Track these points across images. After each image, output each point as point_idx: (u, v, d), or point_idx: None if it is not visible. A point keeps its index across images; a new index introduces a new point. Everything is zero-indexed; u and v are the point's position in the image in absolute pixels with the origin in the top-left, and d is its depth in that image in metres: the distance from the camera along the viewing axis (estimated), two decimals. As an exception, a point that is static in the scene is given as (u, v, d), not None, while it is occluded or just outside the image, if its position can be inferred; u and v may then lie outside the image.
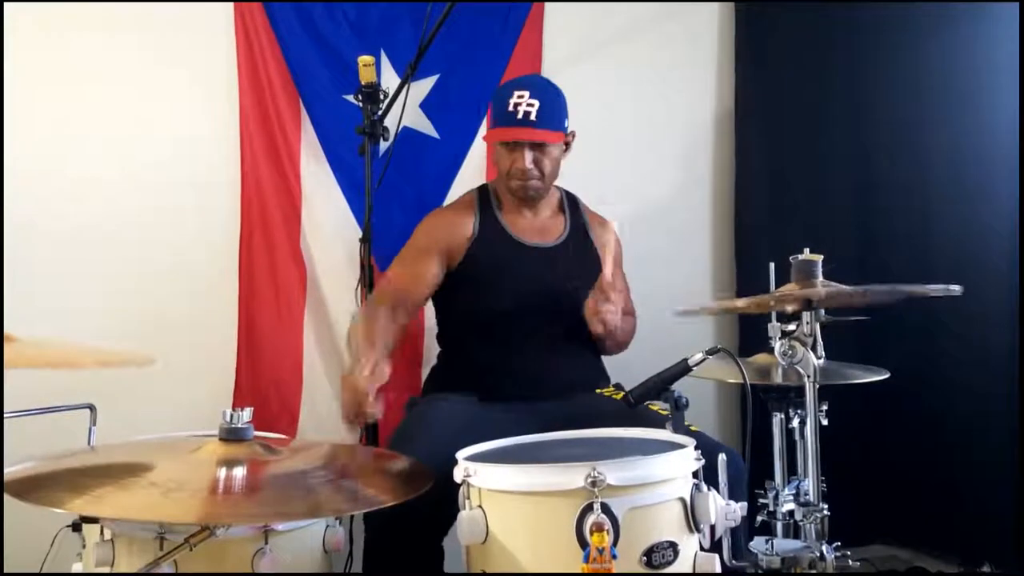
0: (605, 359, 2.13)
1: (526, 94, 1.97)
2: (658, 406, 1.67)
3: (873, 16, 2.77)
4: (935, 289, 1.60)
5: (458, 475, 1.37)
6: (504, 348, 2.01)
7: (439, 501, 1.38)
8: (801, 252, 1.73)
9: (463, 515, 1.33)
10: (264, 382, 2.45)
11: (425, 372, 2.28)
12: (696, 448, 1.39)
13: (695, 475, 1.36)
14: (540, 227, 2.10)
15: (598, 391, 2.02)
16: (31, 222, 2.27)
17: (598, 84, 2.75)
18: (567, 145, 2.08)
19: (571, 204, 2.17)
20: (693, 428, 1.57)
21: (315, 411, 2.46)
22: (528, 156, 1.98)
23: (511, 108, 1.96)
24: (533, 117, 1.95)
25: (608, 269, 1.88)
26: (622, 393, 1.90)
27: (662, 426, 1.56)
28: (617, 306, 1.90)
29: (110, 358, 1.38)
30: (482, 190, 2.16)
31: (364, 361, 1.67)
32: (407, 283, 2.03)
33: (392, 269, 2.10)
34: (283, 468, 1.38)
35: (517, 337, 2.00)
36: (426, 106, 2.58)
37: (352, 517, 1.88)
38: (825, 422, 1.73)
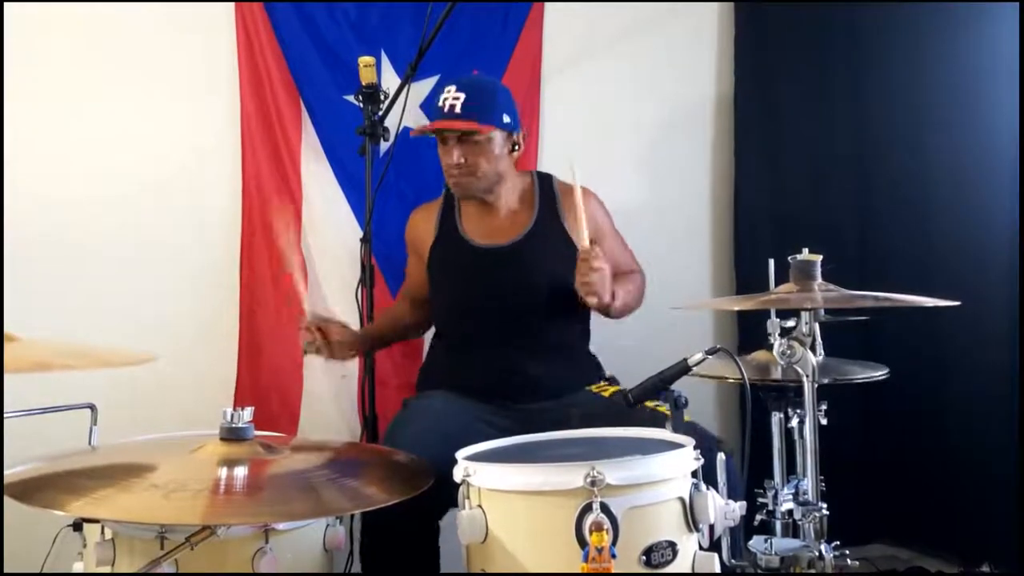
0: (603, 357, 2.12)
1: (453, 88, 1.94)
2: (652, 404, 1.67)
3: (873, 16, 2.76)
4: (930, 301, 1.60)
5: (458, 475, 1.37)
6: (467, 348, 2.02)
7: (425, 500, 1.37)
8: (800, 252, 1.74)
9: (463, 514, 1.34)
10: (264, 382, 2.45)
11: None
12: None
13: (694, 475, 1.36)
14: (499, 227, 2.04)
15: (589, 387, 2.00)
16: (31, 220, 2.27)
17: (598, 84, 2.76)
18: (515, 145, 2.01)
19: (543, 189, 2.08)
20: (686, 418, 1.57)
21: (315, 411, 2.47)
22: (455, 151, 1.93)
23: (440, 103, 1.95)
24: (458, 110, 1.91)
25: (583, 237, 1.80)
26: (612, 389, 1.89)
27: (649, 417, 1.56)
28: (602, 272, 1.79)
29: (111, 358, 1.38)
30: (449, 191, 2.11)
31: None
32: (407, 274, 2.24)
33: None
34: (283, 467, 1.39)
35: (479, 337, 2.00)
36: (426, 106, 2.58)
37: (352, 516, 1.89)
38: (824, 421, 1.73)
